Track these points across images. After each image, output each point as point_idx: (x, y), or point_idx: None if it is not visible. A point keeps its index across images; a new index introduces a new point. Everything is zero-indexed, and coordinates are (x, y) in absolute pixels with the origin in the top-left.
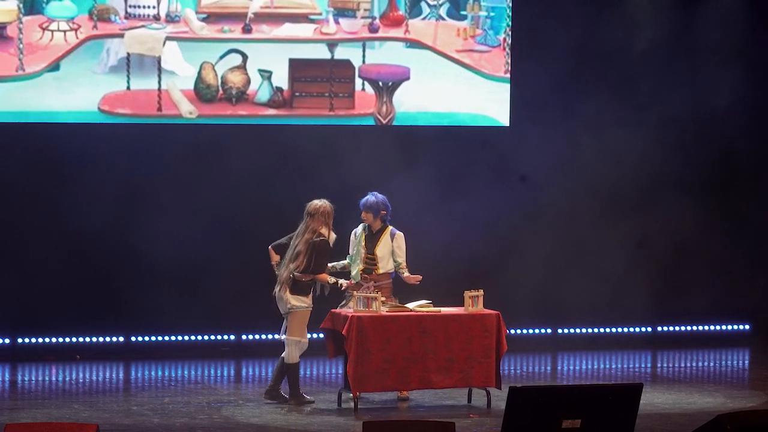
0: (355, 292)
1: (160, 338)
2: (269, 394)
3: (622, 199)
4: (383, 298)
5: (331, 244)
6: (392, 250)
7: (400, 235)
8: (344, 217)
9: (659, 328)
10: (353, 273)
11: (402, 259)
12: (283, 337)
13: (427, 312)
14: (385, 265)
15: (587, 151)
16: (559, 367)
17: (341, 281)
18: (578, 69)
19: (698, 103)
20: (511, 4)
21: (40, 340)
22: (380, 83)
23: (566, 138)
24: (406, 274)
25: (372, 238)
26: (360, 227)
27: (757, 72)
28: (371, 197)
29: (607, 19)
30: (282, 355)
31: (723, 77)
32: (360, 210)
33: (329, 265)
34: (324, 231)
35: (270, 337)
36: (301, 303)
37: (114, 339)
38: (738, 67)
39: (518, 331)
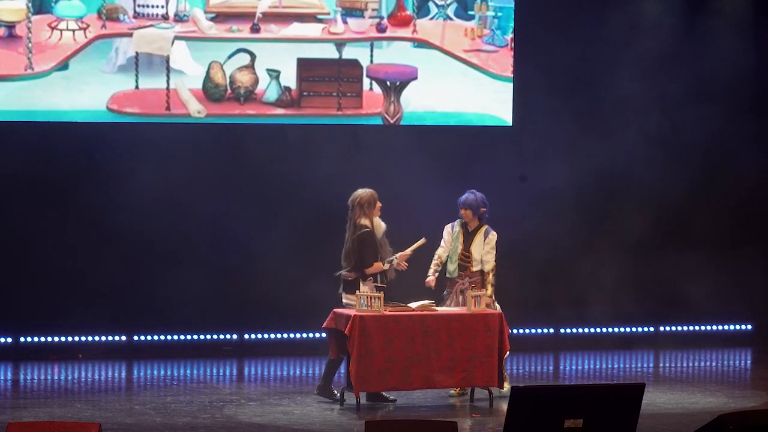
0: (452, 290)
1: (162, 337)
2: (320, 390)
3: (624, 198)
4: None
5: (380, 232)
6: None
7: (493, 235)
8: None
9: (661, 328)
10: (451, 269)
11: (489, 257)
12: None
13: (430, 312)
14: (479, 264)
15: (589, 149)
16: (561, 367)
17: (394, 258)
18: (581, 69)
19: (702, 102)
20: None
21: (43, 339)
22: (388, 83)
23: (568, 137)
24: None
25: (469, 236)
26: (456, 223)
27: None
28: (470, 195)
29: (610, 19)
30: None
31: (728, 76)
32: (458, 207)
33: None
34: (365, 221)
35: (273, 336)
36: (350, 301)
37: (116, 338)
38: (742, 63)
39: (520, 331)
